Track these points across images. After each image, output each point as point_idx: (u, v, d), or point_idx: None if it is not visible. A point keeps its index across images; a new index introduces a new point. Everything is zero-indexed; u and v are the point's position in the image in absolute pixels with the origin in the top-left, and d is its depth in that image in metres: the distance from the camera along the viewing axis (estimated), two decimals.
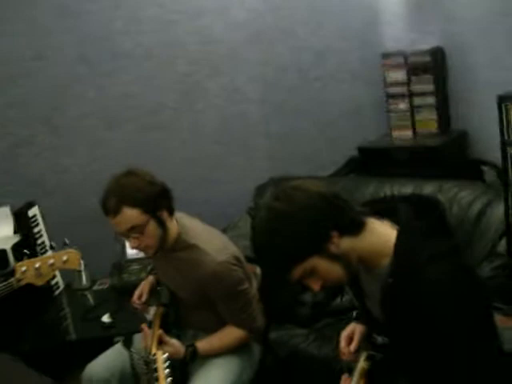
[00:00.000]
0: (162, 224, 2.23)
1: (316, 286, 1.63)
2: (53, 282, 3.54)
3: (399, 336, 1.64)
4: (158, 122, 3.89)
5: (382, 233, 1.63)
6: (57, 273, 3.60)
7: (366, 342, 1.84)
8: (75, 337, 3.10)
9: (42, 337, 3.18)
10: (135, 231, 2.19)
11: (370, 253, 1.62)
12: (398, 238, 1.59)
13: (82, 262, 3.62)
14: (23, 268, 2.28)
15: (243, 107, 3.94)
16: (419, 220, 1.60)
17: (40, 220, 3.57)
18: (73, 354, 2.96)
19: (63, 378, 2.96)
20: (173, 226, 2.29)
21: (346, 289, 2.94)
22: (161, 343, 2.18)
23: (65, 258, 2.27)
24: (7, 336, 3.04)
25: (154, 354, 2.07)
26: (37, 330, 3.20)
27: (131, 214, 2.15)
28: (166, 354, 2.07)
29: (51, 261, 2.27)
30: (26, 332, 3.15)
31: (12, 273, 2.31)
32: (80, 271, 3.65)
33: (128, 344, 2.34)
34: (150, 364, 2.06)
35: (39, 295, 3.35)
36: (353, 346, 1.88)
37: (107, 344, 2.65)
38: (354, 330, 1.94)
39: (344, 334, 1.94)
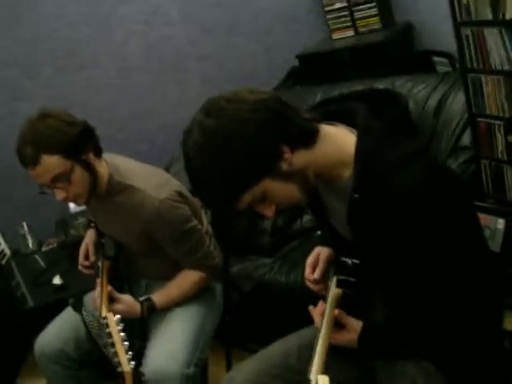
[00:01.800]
0: (89, 168, 1.97)
1: (269, 211, 1.39)
2: None
3: (372, 254, 1.45)
4: (78, 62, 3.59)
5: (339, 139, 1.39)
6: (1, 240, 3.41)
7: (335, 265, 1.65)
8: (32, 304, 2.92)
9: None
10: (60, 181, 1.93)
11: (328, 165, 1.39)
12: (358, 143, 1.36)
13: (24, 224, 3.46)
14: None
15: (167, 30, 3.64)
16: (379, 119, 1.37)
17: None
18: (33, 321, 2.76)
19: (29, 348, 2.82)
20: (102, 169, 2.04)
21: (306, 208, 2.78)
22: (112, 301, 1.98)
23: None
24: None
25: (105, 317, 1.86)
26: None
27: (52, 162, 1.88)
28: (118, 316, 1.86)
29: None
30: None
31: None
32: (24, 234, 3.46)
33: (78, 306, 2.12)
34: (102, 328, 1.86)
35: None
36: (317, 273, 1.69)
37: (64, 308, 2.43)
38: (318, 254, 1.74)
39: (309, 261, 1.73)
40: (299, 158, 1.33)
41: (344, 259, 1.54)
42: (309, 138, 1.35)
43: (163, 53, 3.66)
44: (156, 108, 3.74)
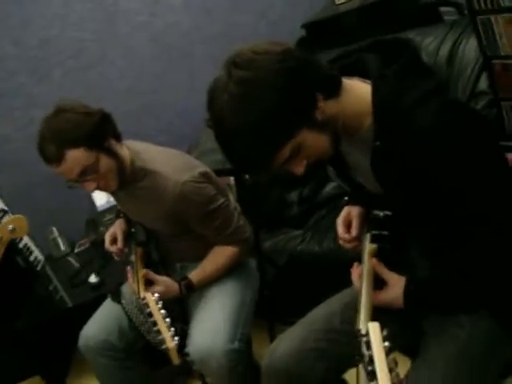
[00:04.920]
0: (113, 154, 1.97)
1: (300, 167, 1.36)
2: (31, 258, 3.38)
3: (403, 202, 1.42)
4: (86, 60, 3.55)
5: (357, 90, 1.37)
6: (33, 247, 3.46)
7: (367, 222, 1.63)
8: (71, 305, 2.96)
9: (38, 314, 3.09)
10: (88, 173, 1.92)
11: (352, 115, 1.37)
12: (373, 90, 1.33)
13: (54, 228, 3.48)
14: None
15: (170, 18, 3.58)
16: (390, 66, 1.35)
17: None
18: (74, 321, 2.80)
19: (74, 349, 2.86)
20: (125, 153, 2.04)
21: (330, 176, 2.76)
22: (151, 284, 1.99)
23: (10, 227, 2.00)
24: (1, 322, 2.97)
25: (144, 298, 1.86)
26: (31, 309, 3.12)
27: (77, 156, 1.87)
28: (157, 295, 1.86)
29: None
30: (20, 313, 3.06)
31: None
32: (55, 238, 3.49)
33: (117, 297, 2.13)
34: (142, 309, 1.86)
35: (23, 275, 3.25)
36: (353, 230, 1.67)
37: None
38: (349, 212, 1.72)
39: (340, 220, 1.72)
40: (330, 108, 1.31)
41: (375, 212, 1.53)
42: (336, 87, 1.34)
43: (169, 41, 3.61)
44: (169, 97, 3.69)
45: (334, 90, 1.33)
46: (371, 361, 1.14)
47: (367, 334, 1.19)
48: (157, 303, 1.82)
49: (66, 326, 2.89)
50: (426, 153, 1.27)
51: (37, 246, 3.53)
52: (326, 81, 1.31)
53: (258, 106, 1.23)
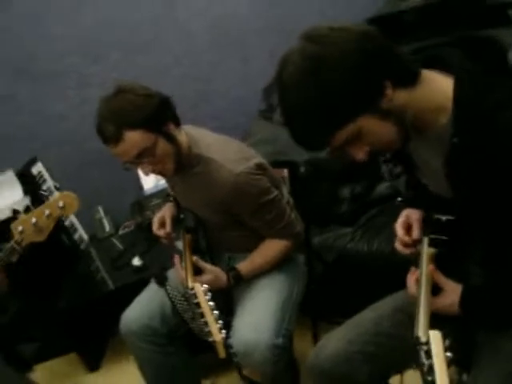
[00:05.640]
0: (171, 139, 1.94)
1: (361, 152, 1.32)
2: (76, 237, 3.40)
3: (472, 203, 1.36)
4: (142, 43, 3.54)
5: (438, 83, 1.31)
6: (78, 226, 3.50)
7: (426, 225, 1.57)
8: (112, 286, 2.98)
9: (79, 293, 3.12)
10: (145, 155, 1.90)
11: (426, 109, 1.31)
12: (456, 86, 1.28)
13: (100, 208, 3.50)
14: (19, 228, 2.01)
15: (228, 6, 3.53)
16: (475, 62, 1.29)
17: (46, 175, 3.40)
18: (115, 303, 2.81)
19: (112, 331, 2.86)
20: (183, 139, 2.00)
21: (385, 175, 2.71)
22: (198, 272, 1.96)
23: (61, 203, 1.98)
24: (43, 298, 3.04)
25: (192, 288, 1.84)
26: (72, 287, 3.14)
27: (135, 137, 1.85)
28: (205, 286, 1.84)
29: (47, 211, 1.98)
30: (62, 290, 3.09)
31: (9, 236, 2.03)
32: (100, 218, 3.51)
33: (162, 281, 2.10)
34: (189, 299, 1.84)
35: (66, 253, 3.26)
36: (415, 233, 1.60)
37: (145, 287, 2.44)
38: (409, 215, 1.66)
39: (400, 221, 1.65)
40: (399, 97, 1.26)
41: (437, 216, 1.48)
42: (411, 77, 1.28)
43: (226, 29, 3.56)
44: (224, 84, 3.67)
45: (407, 79, 1.28)
46: (431, 371, 1.10)
47: (427, 343, 1.15)
48: (205, 294, 1.80)
49: (106, 307, 2.91)
50: (505, 154, 1.22)
51: (82, 224, 3.56)
52: (401, 69, 1.26)
53: (319, 83, 1.20)
